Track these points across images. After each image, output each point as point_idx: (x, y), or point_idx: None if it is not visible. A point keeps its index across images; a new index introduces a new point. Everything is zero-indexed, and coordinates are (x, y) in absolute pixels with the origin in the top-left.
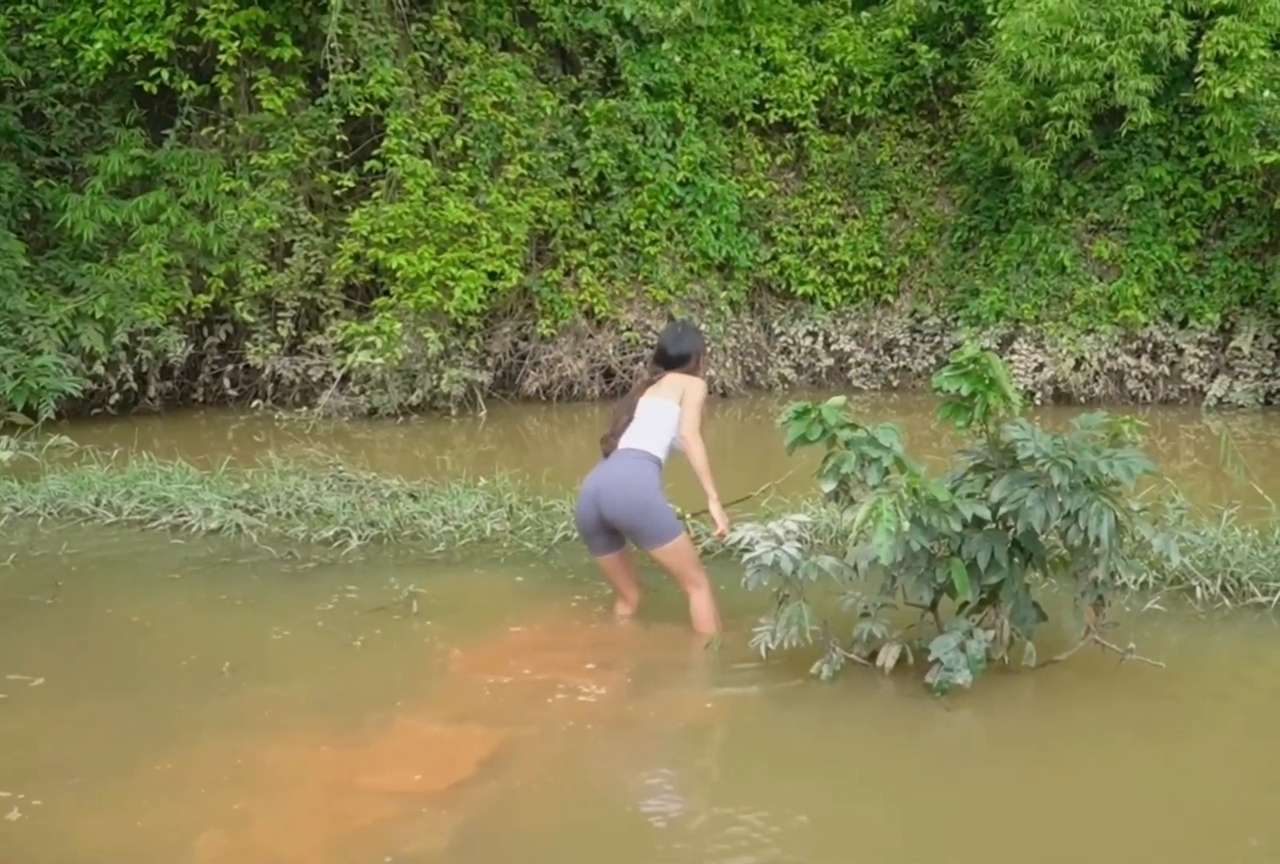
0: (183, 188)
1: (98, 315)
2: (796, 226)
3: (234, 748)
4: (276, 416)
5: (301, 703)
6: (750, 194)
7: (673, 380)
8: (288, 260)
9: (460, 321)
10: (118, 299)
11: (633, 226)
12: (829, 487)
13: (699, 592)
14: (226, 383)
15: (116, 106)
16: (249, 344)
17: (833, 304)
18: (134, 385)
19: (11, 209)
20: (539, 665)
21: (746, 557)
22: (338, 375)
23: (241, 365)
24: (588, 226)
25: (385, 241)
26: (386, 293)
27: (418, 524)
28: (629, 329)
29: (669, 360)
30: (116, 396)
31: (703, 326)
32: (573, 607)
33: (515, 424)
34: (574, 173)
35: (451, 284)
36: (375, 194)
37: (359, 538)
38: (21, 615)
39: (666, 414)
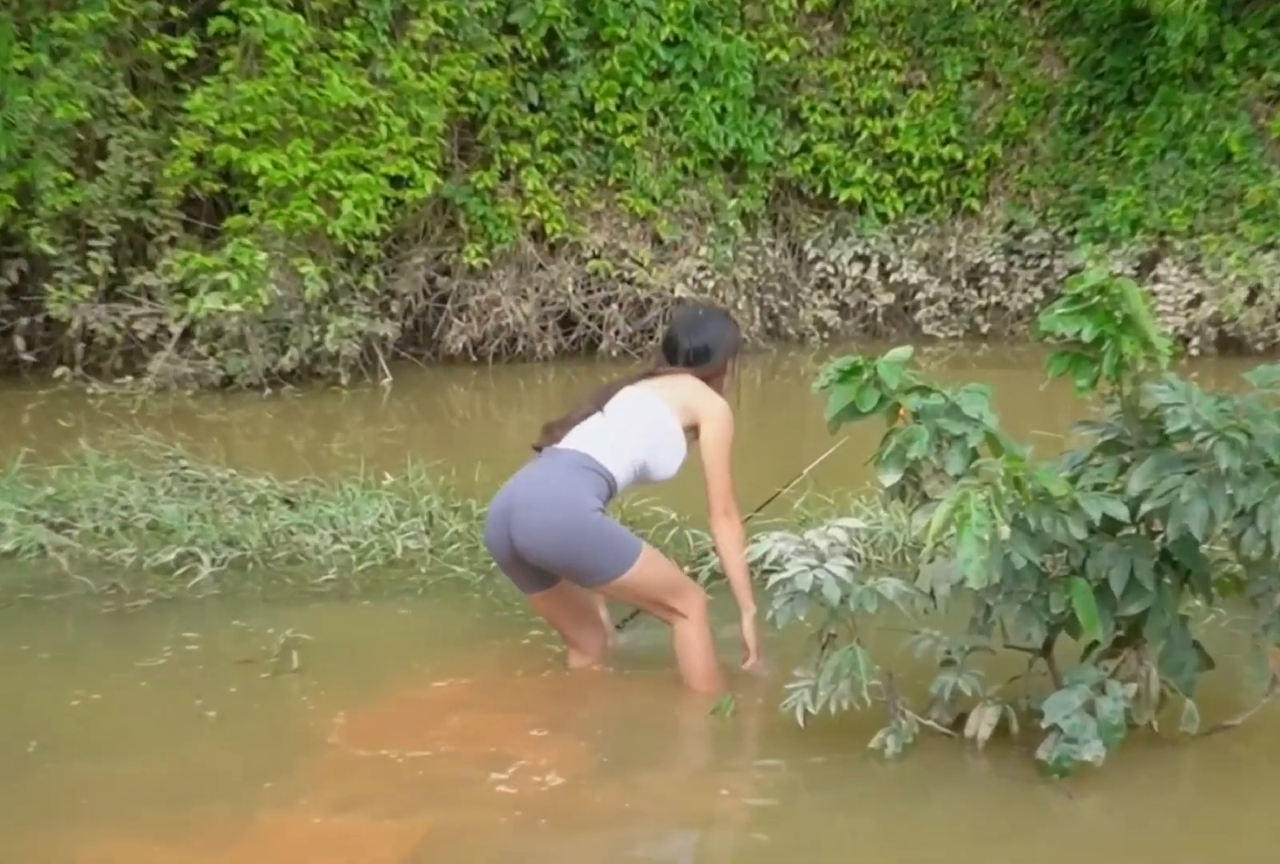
0: None
1: None
2: (837, 103)
3: (38, 852)
4: (91, 390)
5: (130, 792)
6: (769, 57)
7: (683, 383)
8: (102, 165)
9: (352, 249)
10: None
11: (598, 108)
12: (891, 478)
13: (687, 624)
14: (19, 343)
15: None
16: (50, 287)
17: (892, 215)
18: None
19: None
20: (471, 734)
21: (774, 579)
22: (176, 331)
23: (40, 318)
24: (533, 108)
25: (240, 135)
26: (244, 210)
27: (297, 542)
28: (596, 256)
29: (681, 356)
30: None
31: (703, 250)
32: (519, 651)
33: (434, 396)
34: (511, 30)
35: (338, 195)
36: (225, 67)
37: (212, 562)
38: None
39: (655, 421)
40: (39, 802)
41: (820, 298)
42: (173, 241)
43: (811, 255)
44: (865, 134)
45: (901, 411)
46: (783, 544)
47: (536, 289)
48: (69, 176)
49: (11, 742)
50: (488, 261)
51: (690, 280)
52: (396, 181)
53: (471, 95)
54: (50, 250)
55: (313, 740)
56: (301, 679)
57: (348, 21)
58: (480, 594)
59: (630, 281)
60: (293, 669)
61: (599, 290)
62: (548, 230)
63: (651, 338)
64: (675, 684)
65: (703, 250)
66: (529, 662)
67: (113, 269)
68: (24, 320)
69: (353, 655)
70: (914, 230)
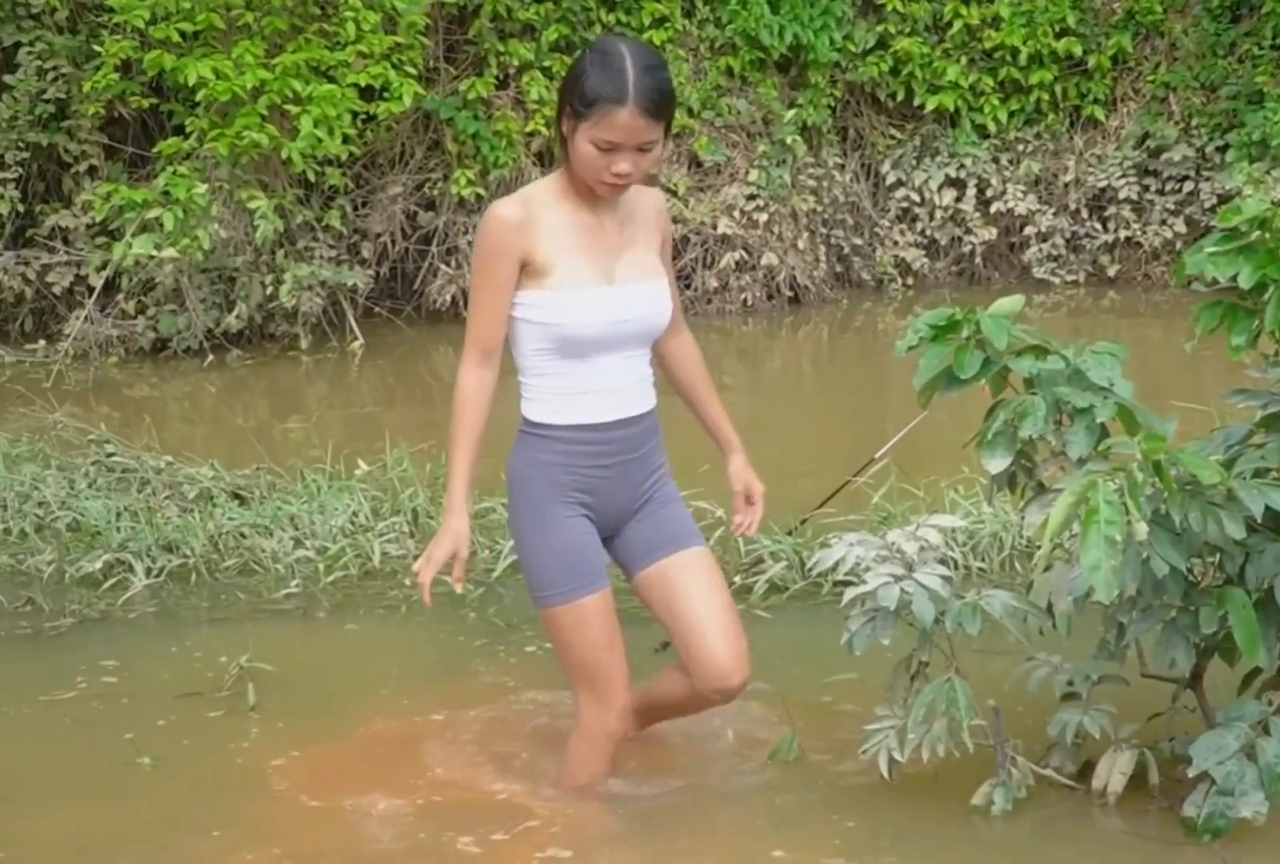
0: None
1: None
2: None
3: None
4: None
5: (50, 850)
6: None
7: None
8: (9, 79)
9: (312, 179)
10: None
11: None
12: (998, 464)
13: (575, 732)
14: None
15: None
16: None
17: (993, 128)
18: None
19: None
20: (454, 786)
21: (850, 593)
22: (97, 283)
23: None
24: None
25: (176, 38)
26: (179, 131)
27: (250, 547)
28: None
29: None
30: None
31: (753, 175)
32: (522, 683)
33: (416, 362)
34: None
35: (294, 110)
36: None
37: (148, 572)
38: None
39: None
40: None
41: (902, 233)
42: (92, 172)
43: (891, 180)
44: (958, 25)
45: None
46: (860, 549)
47: None
48: None
49: None
50: (481, 192)
51: (737, 212)
52: (367, 93)
53: None
54: None
55: (263, 788)
56: (260, 719)
57: None
58: (477, 612)
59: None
60: (248, 707)
61: None
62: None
63: (689, 286)
64: (718, 719)
65: (752, 175)
66: (534, 697)
67: (20, 207)
68: None
69: (319, 688)
70: (1021, 147)
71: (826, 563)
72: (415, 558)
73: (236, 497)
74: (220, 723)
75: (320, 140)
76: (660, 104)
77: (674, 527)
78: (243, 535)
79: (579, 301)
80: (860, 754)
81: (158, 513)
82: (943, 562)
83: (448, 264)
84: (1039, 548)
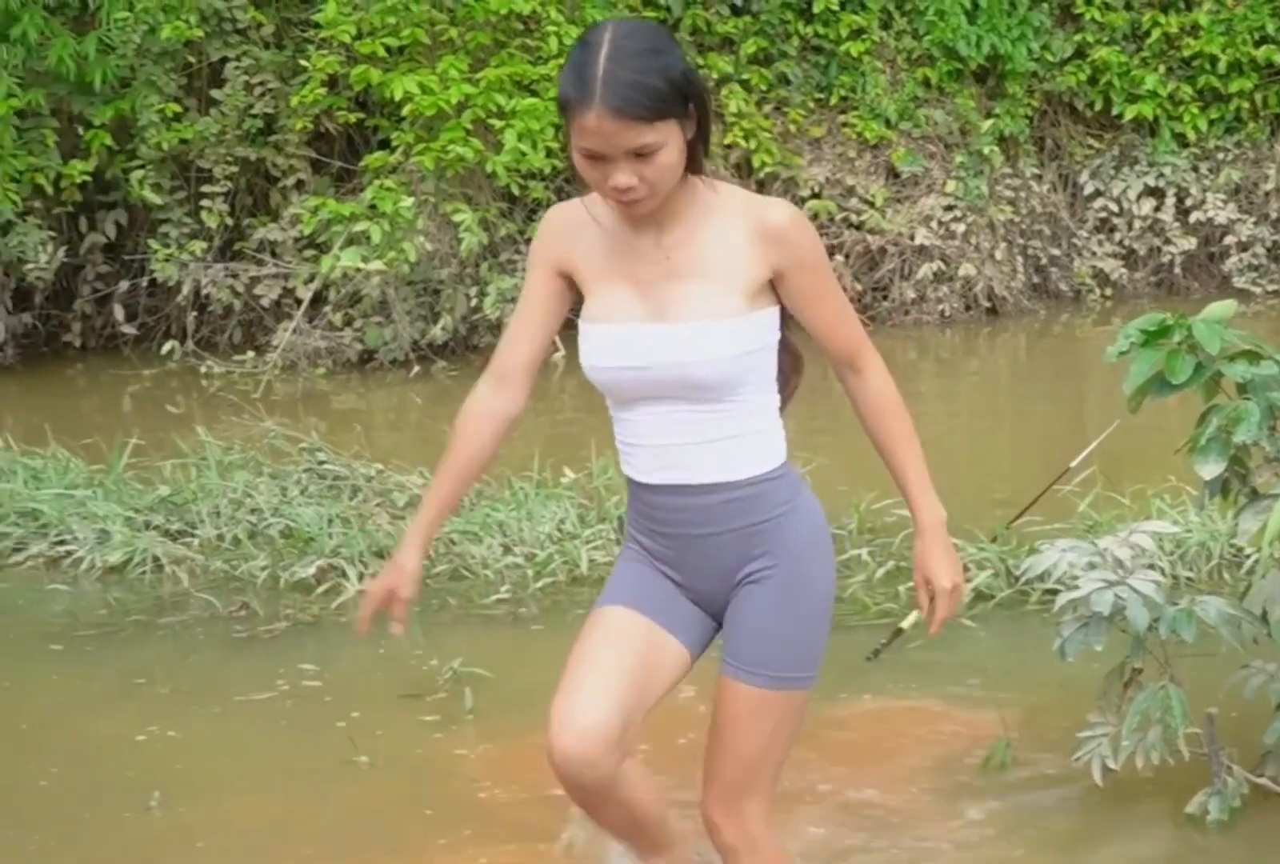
0: None
1: None
2: None
3: None
4: (205, 368)
5: (274, 855)
6: None
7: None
8: (216, 94)
9: (516, 192)
10: None
11: (817, 7)
12: (1212, 470)
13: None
14: (118, 313)
15: None
16: (155, 244)
17: (1192, 136)
18: None
19: None
20: (671, 782)
21: (1062, 598)
22: (305, 296)
23: (144, 282)
24: (736, 10)
25: (381, 53)
26: (385, 145)
27: (460, 553)
28: (815, 195)
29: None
30: None
31: (951, 185)
32: None
33: None
34: None
35: (498, 125)
36: None
37: (360, 577)
38: None
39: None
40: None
41: (1101, 243)
42: (300, 186)
43: (1089, 189)
44: (1156, 33)
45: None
46: (1072, 554)
47: None
48: (176, 108)
49: (127, 792)
50: None
51: (935, 223)
52: None
53: None
54: (155, 199)
55: (479, 783)
56: (476, 721)
57: None
58: None
59: (859, 226)
60: (465, 710)
61: (821, 237)
62: (755, 163)
63: (886, 297)
64: (930, 726)
65: (950, 185)
66: None
67: (229, 221)
68: (123, 285)
69: (533, 691)
70: (1221, 156)
71: (1038, 569)
72: None
73: None
74: (437, 725)
75: (524, 154)
76: (636, 101)
77: (747, 643)
78: (452, 542)
79: (591, 339)
80: (1073, 761)
81: (369, 519)
82: (1156, 568)
83: None
84: (1250, 556)
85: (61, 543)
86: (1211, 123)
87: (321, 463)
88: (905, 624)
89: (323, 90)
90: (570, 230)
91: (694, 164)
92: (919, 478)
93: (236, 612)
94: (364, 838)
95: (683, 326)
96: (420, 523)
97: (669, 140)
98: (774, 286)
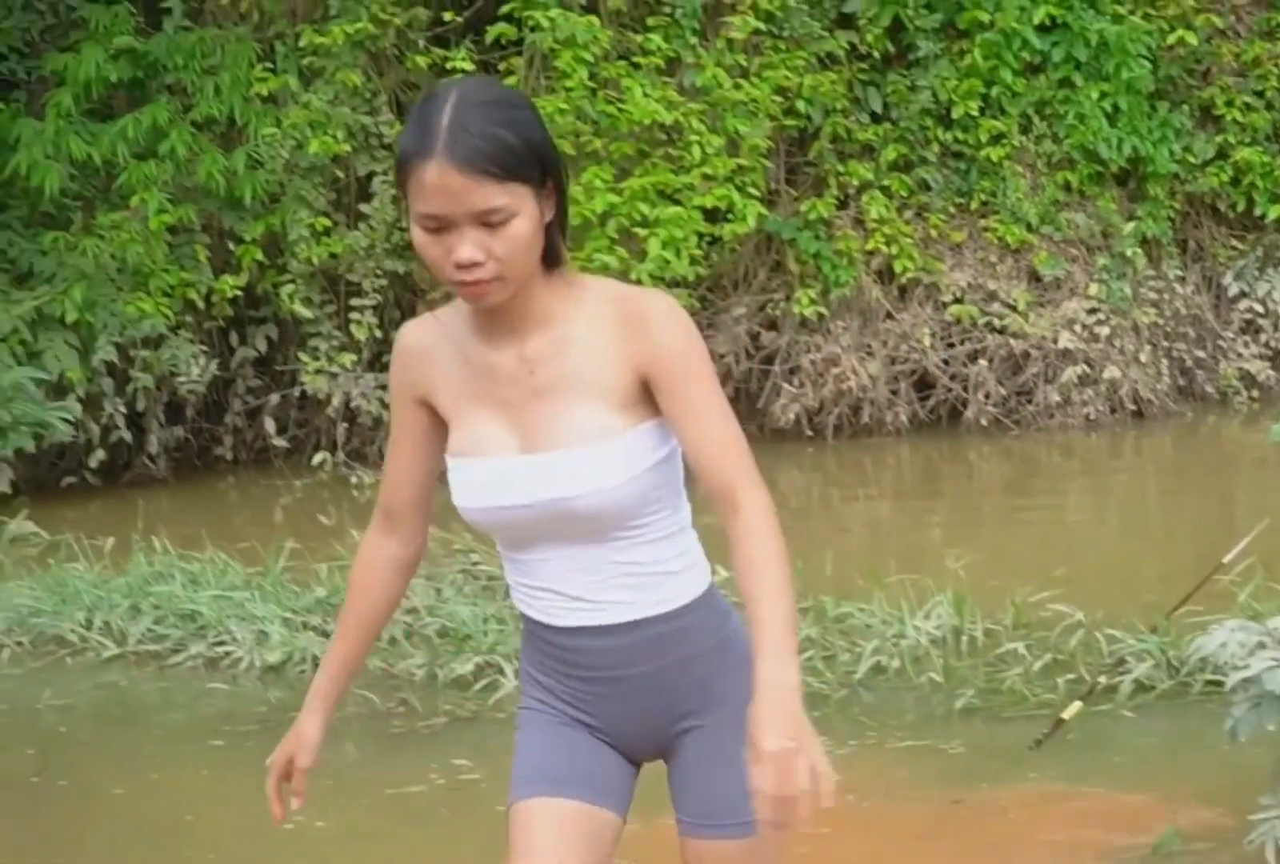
0: (193, 95)
1: (68, 318)
2: (1260, 95)
3: None
4: (355, 478)
5: None
6: (1171, 40)
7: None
8: (365, 208)
9: None
10: (98, 290)
11: (957, 113)
12: None
13: None
14: (269, 426)
15: None
16: (305, 357)
17: None
18: (125, 435)
19: None
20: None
21: (1233, 678)
22: None
23: (295, 393)
24: (876, 117)
25: None
26: None
27: None
28: (957, 300)
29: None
30: (100, 455)
31: (1094, 288)
32: (901, 786)
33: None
34: (847, 22)
35: (642, 233)
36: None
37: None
38: None
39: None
40: None
41: (1246, 345)
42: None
43: (1233, 291)
44: None
45: None
46: (1241, 634)
47: (885, 343)
48: (326, 223)
49: None
50: (824, 311)
51: (1078, 327)
52: (712, 214)
53: (800, 104)
54: (305, 313)
55: None
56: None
57: (650, 21)
58: (842, 712)
59: (1002, 331)
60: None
61: (962, 343)
62: (897, 269)
63: (1030, 401)
64: (1096, 815)
65: (1093, 288)
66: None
67: (378, 333)
68: (274, 398)
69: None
70: None
71: (1207, 648)
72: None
73: None
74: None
75: (667, 262)
76: (485, 152)
77: (718, 799)
78: None
79: (459, 477)
80: (1246, 844)
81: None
82: None
83: (790, 382)
84: None
85: (220, 643)
86: None
87: (475, 564)
88: (1066, 714)
89: None
90: (424, 352)
91: (552, 254)
92: (773, 637)
93: (394, 708)
94: None
95: (555, 456)
96: (320, 686)
97: (522, 209)
98: (649, 395)
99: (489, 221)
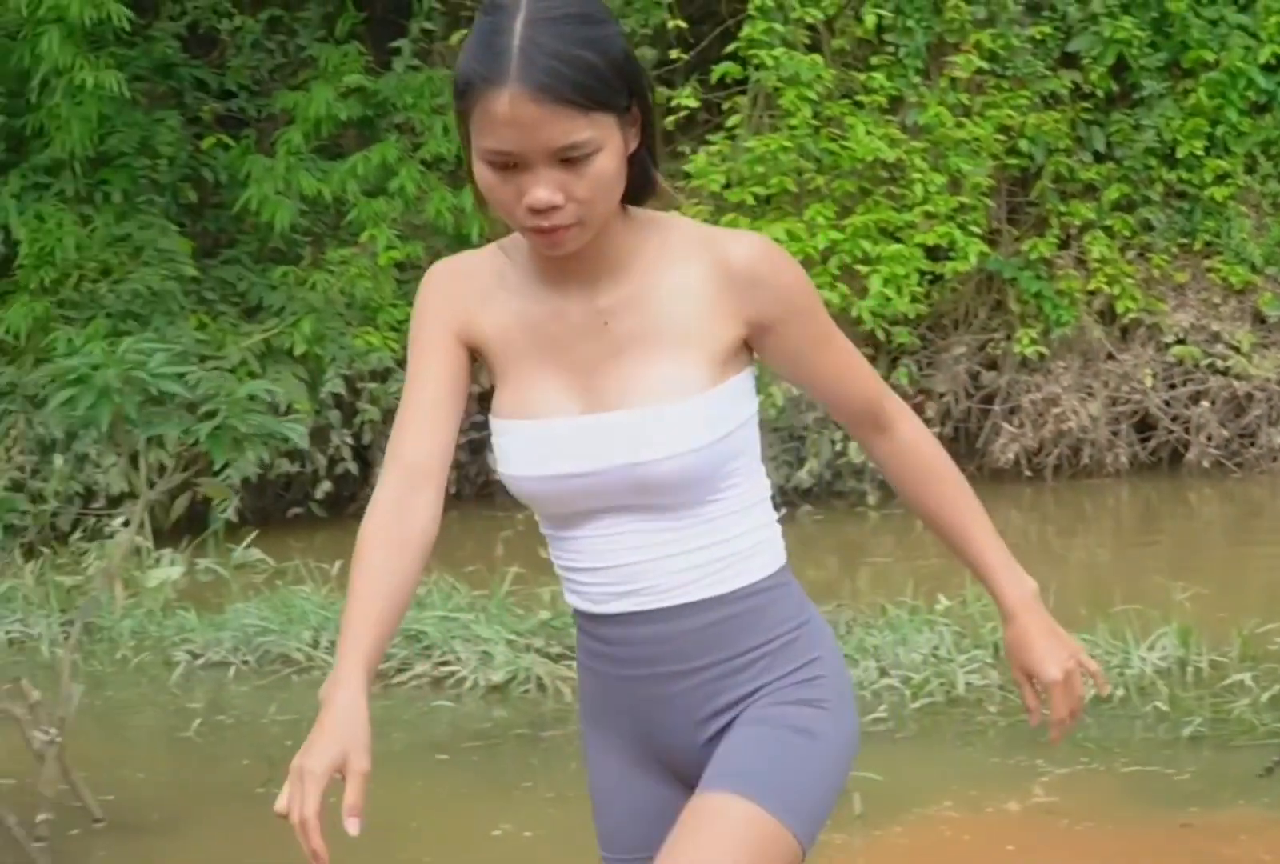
0: (422, 134)
1: (296, 350)
2: None
3: None
4: None
5: None
6: None
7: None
8: None
9: (883, 337)
10: (326, 323)
11: (1181, 153)
12: None
13: None
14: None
15: (321, 11)
16: None
17: None
18: (351, 467)
19: (171, 185)
20: None
21: None
22: None
23: None
24: (1099, 157)
25: (750, 201)
26: None
27: None
28: (1180, 341)
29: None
30: (326, 486)
31: None
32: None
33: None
34: (1070, 62)
35: (863, 270)
36: (730, 121)
37: None
38: (223, 808)
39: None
40: None
41: None
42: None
43: None
44: None
45: None
46: None
47: (1105, 384)
48: None
49: None
50: (1044, 351)
51: None
52: (933, 252)
53: (1023, 144)
54: None
55: None
56: (863, 825)
57: (873, 60)
58: (1066, 738)
59: (1225, 372)
60: (854, 815)
61: (1185, 384)
62: (1119, 310)
63: (1254, 443)
64: None
65: None
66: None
67: None
68: None
69: (920, 801)
70: None
71: None
72: (1001, 688)
73: None
74: (828, 834)
75: (889, 299)
76: (567, 77)
77: (723, 760)
78: None
79: (509, 440)
80: None
81: None
82: None
83: (1010, 422)
84: None
85: (445, 663)
86: None
87: None
88: None
89: None
90: (474, 285)
91: (639, 188)
92: (991, 547)
93: None
94: None
95: (634, 414)
96: (352, 666)
97: (607, 142)
98: (748, 344)
99: (569, 158)
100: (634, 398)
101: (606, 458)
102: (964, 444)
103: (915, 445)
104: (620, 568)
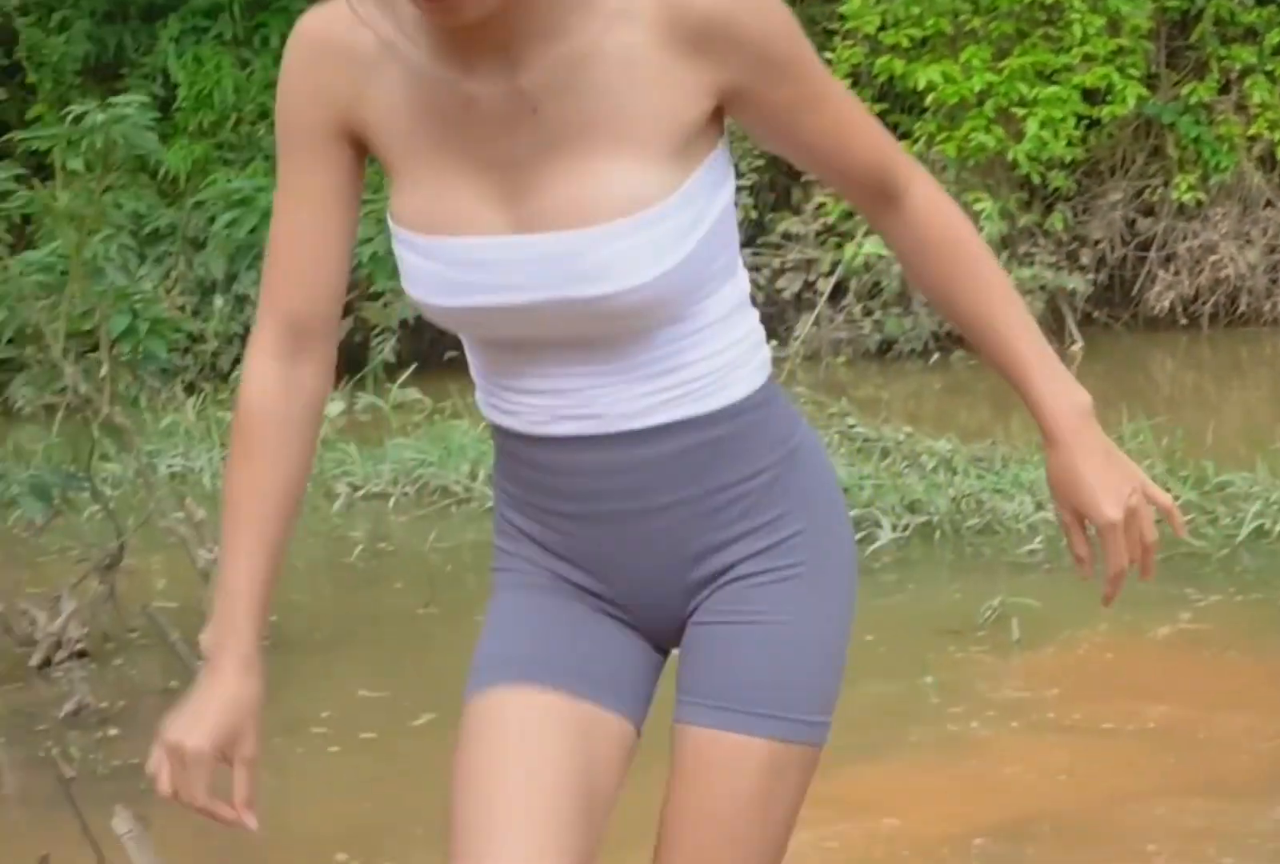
0: None
1: None
2: None
3: None
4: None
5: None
6: None
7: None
8: None
9: (1039, 181)
10: None
11: None
12: None
13: None
14: None
15: None
16: None
17: None
18: None
19: None
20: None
21: None
22: (826, 287)
23: None
24: (1260, 0)
25: (905, 44)
26: (906, 135)
27: (991, 509)
28: None
29: None
30: None
31: None
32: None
33: (1133, 368)
34: None
35: (1019, 113)
36: None
37: (892, 527)
38: (385, 628)
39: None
40: None
41: None
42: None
43: None
44: None
45: None
46: None
47: (1265, 232)
48: None
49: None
50: (1202, 198)
51: None
52: (1090, 96)
53: None
54: None
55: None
56: (1021, 650)
57: None
58: (1225, 569)
59: None
60: (1012, 641)
61: None
62: (1279, 156)
63: None
64: None
65: None
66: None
67: (753, 215)
68: None
69: (1073, 625)
70: None
71: None
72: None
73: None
74: (985, 657)
75: (1045, 143)
76: None
77: (753, 675)
78: (980, 502)
79: (416, 257)
80: None
81: (900, 478)
82: None
83: (1165, 270)
84: None
85: None
86: None
87: (851, 427)
88: None
89: (847, 82)
90: (353, 55)
91: None
92: (1025, 345)
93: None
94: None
95: (579, 238)
96: (235, 601)
97: None
98: (719, 113)
99: None
100: (578, 213)
101: (545, 289)
102: (1119, 292)
103: (925, 214)
104: (570, 392)
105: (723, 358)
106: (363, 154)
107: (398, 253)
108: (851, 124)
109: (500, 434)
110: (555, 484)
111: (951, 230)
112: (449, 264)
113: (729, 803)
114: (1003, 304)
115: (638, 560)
